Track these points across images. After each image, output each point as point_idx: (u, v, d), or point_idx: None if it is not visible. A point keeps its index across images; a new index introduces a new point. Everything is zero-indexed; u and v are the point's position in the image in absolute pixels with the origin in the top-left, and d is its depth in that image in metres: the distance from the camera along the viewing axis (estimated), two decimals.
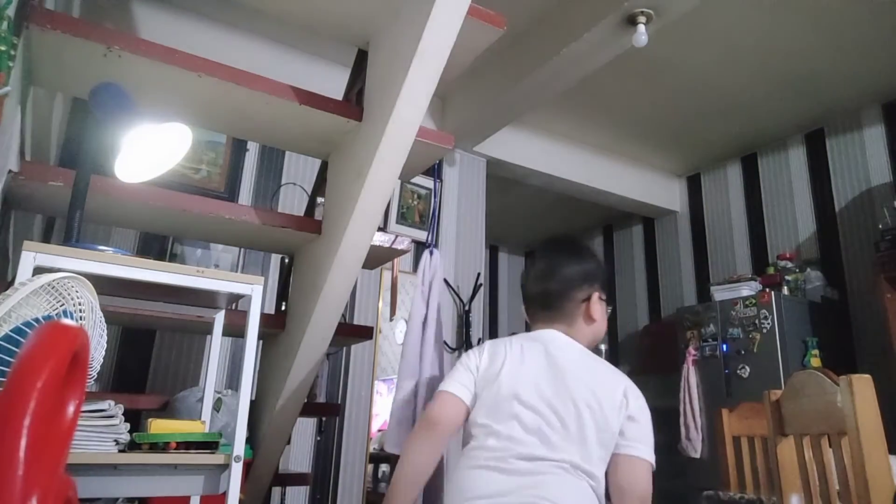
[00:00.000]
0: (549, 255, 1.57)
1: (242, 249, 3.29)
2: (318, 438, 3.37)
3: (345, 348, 3.54)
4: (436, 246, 3.92)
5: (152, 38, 1.55)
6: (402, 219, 3.98)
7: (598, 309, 1.49)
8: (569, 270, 1.49)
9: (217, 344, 1.74)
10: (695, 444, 3.85)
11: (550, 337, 1.44)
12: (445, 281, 4.02)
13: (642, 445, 1.32)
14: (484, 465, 1.28)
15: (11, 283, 1.08)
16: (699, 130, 4.53)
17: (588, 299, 1.48)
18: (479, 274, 4.23)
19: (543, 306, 1.50)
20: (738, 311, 3.91)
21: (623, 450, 1.31)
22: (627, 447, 1.31)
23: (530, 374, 1.36)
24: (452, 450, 1.55)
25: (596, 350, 1.50)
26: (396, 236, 2.03)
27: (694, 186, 5.18)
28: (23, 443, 0.59)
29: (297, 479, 2.39)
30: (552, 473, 1.25)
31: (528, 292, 1.55)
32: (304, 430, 3.32)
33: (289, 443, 2.17)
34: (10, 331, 0.98)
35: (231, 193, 3.39)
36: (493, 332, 6.34)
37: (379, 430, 3.61)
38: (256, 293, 1.43)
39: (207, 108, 1.69)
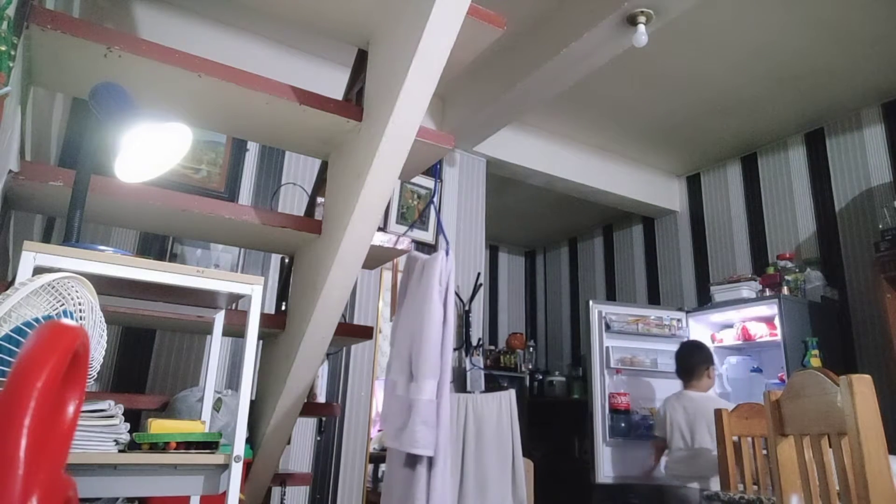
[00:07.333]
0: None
1: (242, 249, 3.29)
2: (318, 438, 3.37)
3: (345, 348, 3.54)
4: (439, 249, 3.92)
5: (152, 38, 1.56)
6: (402, 219, 3.98)
7: None
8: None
9: (217, 344, 1.74)
10: None
11: None
12: None
13: None
14: None
15: (11, 283, 1.08)
16: (699, 130, 4.53)
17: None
18: (479, 274, 4.23)
19: None
20: None
21: None
22: None
23: None
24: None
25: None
26: (398, 237, 2.03)
27: (694, 186, 5.18)
28: (23, 443, 0.59)
29: (297, 479, 2.39)
30: None
31: None
32: (304, 430, 3.32)
33: (289, 443, 2.17)
34: (11, 331, 0.98)
35: (231, 193, 3.39)
36: (493, 332, 6.34)
37: (379, 430, 3.61)
38: (256, 293, 1.43)
39: (207, 109, 1.69)
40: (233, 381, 3.13)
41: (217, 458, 1.32)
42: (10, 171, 1.39)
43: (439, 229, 4.04)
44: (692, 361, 3.49)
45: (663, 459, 3.43)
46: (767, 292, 3.89)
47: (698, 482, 3.17)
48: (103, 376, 2.84)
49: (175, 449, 1.31)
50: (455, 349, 3.98)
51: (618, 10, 2.85)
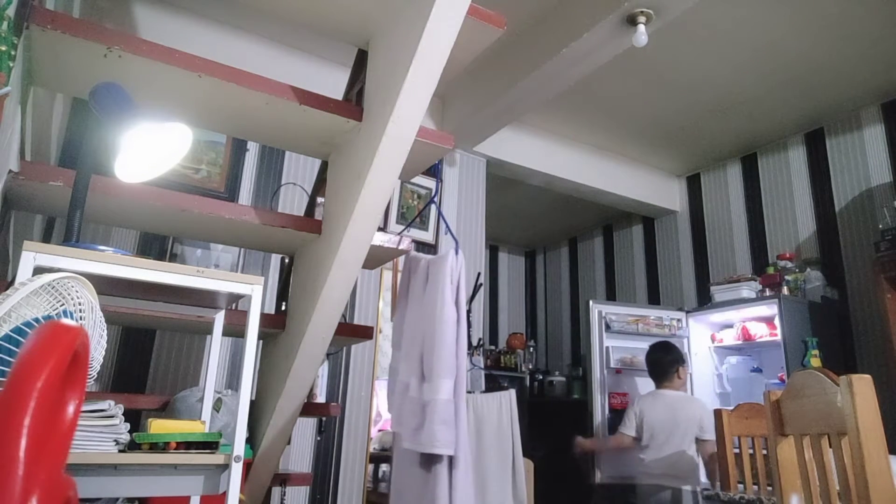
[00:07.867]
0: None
1: (242, 249, 3.29)
2: (318, 438, 3.37)
3: (345, 348, 3.54)
4: (442, 248, 3.92)
5: (152, 38, 1.56)
6: (402, 219, 3.98)
7: None
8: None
9: (217, 344, 1.74)
10: None
11: None
12: None
13: None
14: None
15: (11, 283, 1.08)
16: (699, 130, 4.53)
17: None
18: (479, 274, 4.23)
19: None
20: None
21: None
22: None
23: None
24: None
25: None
26: (401, 237, 2.03)
27: (694, 186, 5.18)
28: (23, 443, 0.59)
29: (297, 479, 2.39)
30: None
31: None
32: (304, 430, 3.32)
33: (289, 443, 2.17)
34: (11, 331, 0.98)
35: (231, 193, 3.39)
36: (493, 332, 6.34)
37: (379, 430, 3.61)
38: (256, 293, 1.43)
39: (207, 108, 1.69)
40: (233, 381, 3.13)
41: (217, 458, 1.32)
42: (10, 171, 1.39)
43: (445, 228, 4.04)
44: (664, 362, 3.48)
45: (640, 458, 3.35)
46: (767, 292, 3.89)
47: (678, 482, 3.14)
48: (103, 376, 2.84)
49: (175, 449, 1.31)
50: None
51: (618, 10, 2.85)
